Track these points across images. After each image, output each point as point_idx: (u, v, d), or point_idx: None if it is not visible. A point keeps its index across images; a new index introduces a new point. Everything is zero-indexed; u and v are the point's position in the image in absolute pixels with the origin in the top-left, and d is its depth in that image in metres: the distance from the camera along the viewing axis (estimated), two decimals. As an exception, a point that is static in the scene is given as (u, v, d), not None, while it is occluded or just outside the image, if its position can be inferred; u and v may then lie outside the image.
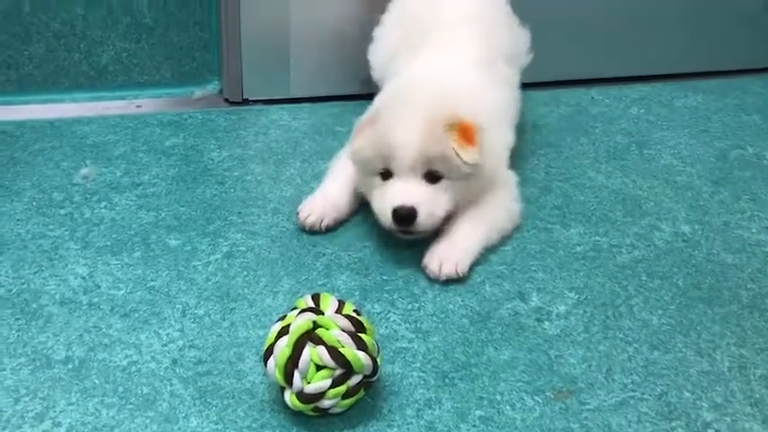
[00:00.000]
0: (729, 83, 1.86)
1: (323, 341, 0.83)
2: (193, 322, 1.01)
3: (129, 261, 1.12)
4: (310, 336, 0.84)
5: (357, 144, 1.13)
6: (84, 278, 1.08)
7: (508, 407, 0.90)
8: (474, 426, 0.87)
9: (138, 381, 0.91)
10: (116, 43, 1.59)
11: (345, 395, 0.84)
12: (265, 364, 0.85)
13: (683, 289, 1.12)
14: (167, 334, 0.98)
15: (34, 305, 1.02)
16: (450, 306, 1.06)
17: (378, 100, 1.21)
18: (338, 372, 0.83)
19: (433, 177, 1.10)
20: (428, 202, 1.09)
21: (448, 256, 1.09)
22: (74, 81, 1.59)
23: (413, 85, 1.19)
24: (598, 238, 1.24)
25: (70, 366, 0.92)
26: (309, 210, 1.18)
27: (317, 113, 1.58)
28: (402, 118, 1.10)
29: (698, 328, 1.05)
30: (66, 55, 1.57)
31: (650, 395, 0.93)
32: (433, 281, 1.10)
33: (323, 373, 0.83)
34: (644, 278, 1.14)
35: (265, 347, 0.86)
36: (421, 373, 0.94)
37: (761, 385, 0.95)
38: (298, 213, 1.18)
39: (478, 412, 0.89)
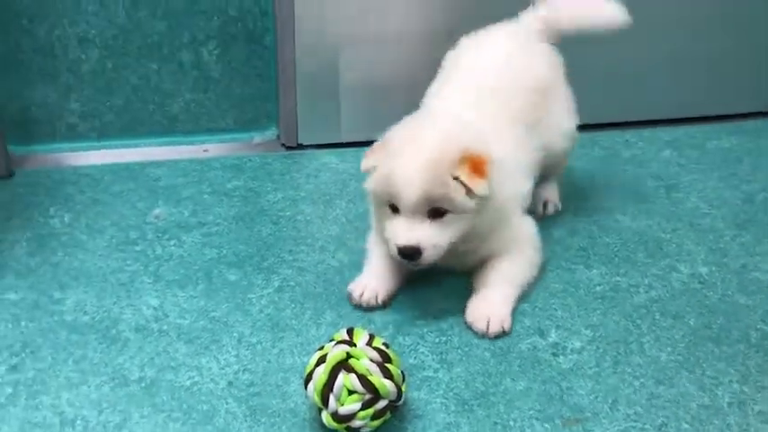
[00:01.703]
0: (764, 124, 1.92)
1: (354, 370, 0.97)
2: (247, 349, 1.15)
3: (194, 293, 1.27)
4: (344, 365, 0.97)
5: (368, 180, 1.17)
6: (155, 308, 1.24)
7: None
8: (487, 448, 0.99)
9: (199, 399, 1.05)
10: (186, 94, 1.77)
11: (373, 417, 0.97)
12: (306, 388, 0.99)
13: (693, 328, 1.21)
14: (225, 359, 1.13)
15: (113, 331, 1.18)
16: (475, 341, 1.17)
17: (391, 131, 1.20)
18: (367, 396, 0.96)
19: (438, 213, 1.14)
20: (432, 239, 1.13)
21: (492, 314, 1.17)
22: (148, 128, 1.77)
23: (423, 121, 1.21)
24: (618, 278, 1.33)
25: (143, 385, 1.08)
26: (362, 288, 1.22)
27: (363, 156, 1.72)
28: (407, 157, 1.12)
29: (703, 365, 1.13)
30: (142, 106, 1.76)
31: (651, 425, 1.02)
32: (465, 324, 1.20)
33: (354, 397, 0.96)
34: (657, 317, 1.23)
35: (306, 373, 0.99)
36: (443, 400, 1.06)
37: (758, 420, 1.03)
38: (350, 293, 1.23)
39: (492, 436, 1.00)
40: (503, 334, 1.17)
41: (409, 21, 1.75)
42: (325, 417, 0.97)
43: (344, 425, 0.96)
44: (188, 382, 1.08)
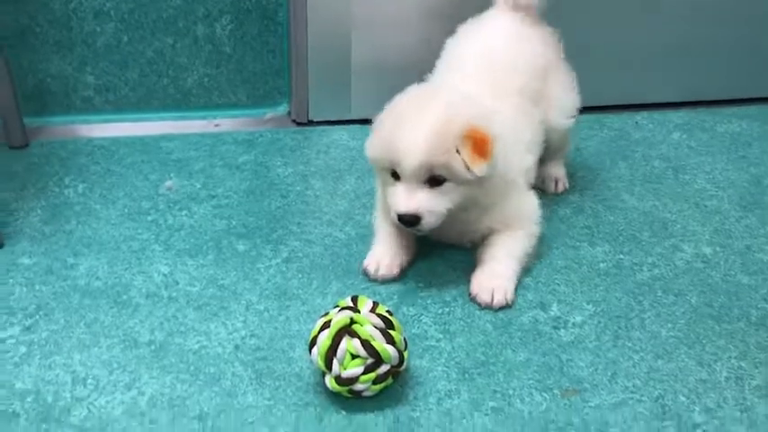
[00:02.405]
0: (776, 109, 1.92)
1: (358, 335, 0.99)
2: (255, 316, 1.18)
3: (204, 262, 1.30)
4: (348, 330, 0.99)
5: (369, 143, 1.20)
6: (165, 275, 1.26)
7: (518, 400, 1.03)
8: (486, 414, 1.01)
9: (207, 362, 1.08)
10: (199, 69, 1.79)
11: (375, 381, 0.99)
12: (310, 352, 1.02)
13: (694, 306, 1.22)
14: (232, 324, 1.16)
15: (125, 296, 1.21)
16: (477, 312, 1.19)
17: (396, 99, 1.22)
18: (369, 361, 0.99)
19: (436, 181, 1.15)
20: (431, 206, 1.15)
21: (496, 287, 1.19)
22: (162, 102, 1.80)
23: (428, 91, 1.23)
24: (622, 256, 1.34)
25: (152, 348, 1.11)
26: (376, 264, 1.25)
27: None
28: (410, 124, 1.14)
29: (703, 341, 1.15)
30: (157, 79, 1.78)
31: (648, 398, 1.04)
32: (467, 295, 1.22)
33: (356, 361, 0.98)
34: (659, 294, 1.25)
35: (310, 338, 1.02)
36: (445, 368, 1.08)
37: (754, 395, 1.05)
38: (366, 269, 1.25)
39: (491, 403, 1.02)
40: (506, 306, 1.19)
41: (421, 1, 1.75)
42: (329, 380, 0.99)
43: (347, 387, 0.99)
44: (196, 346, 1.11)
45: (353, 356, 0.99)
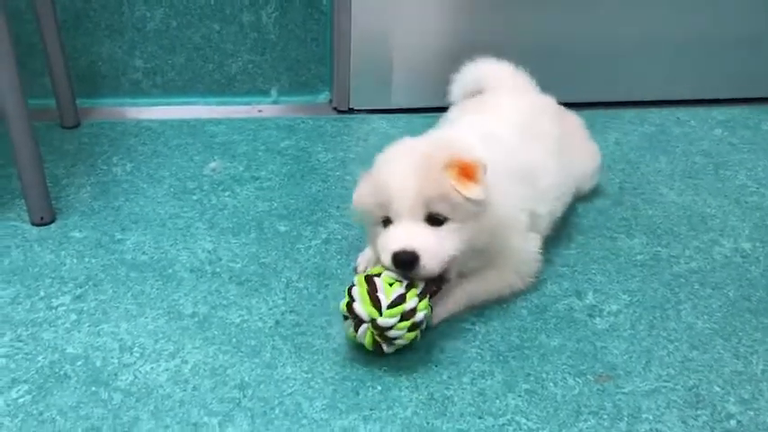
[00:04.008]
0: (822, 107, 1.89)
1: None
2: (294, 293, 1.21)
3: (246, 241, 1.33)
4: (375, 275, 1.04)
5: (356, 195, 1.12)
6: (209, 252, 1.30)
7: (551, 384, 1.04)
8: (519, 396, 1.02)
9: (248, 335, 1.12)
10: (244, 55, 1.83)
11: (411, 328, 1.02)
12: (350, 315, 1.03)
13: (732, 299, 1.22)
14: (273, 301, 1.19)
15: (170, 270, 1.25)
16: (513, 298, 1.21)
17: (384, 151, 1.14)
18: (408, 307, 1.01)
19: (436, 221, 1.05)
20: (431, 245, 1.03)
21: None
22: (207, 87, 1.85)
23: (415, 139, 1.15)
24: (659, 248, 1.34)
25: (196, 320, 1.15)
26: (366, 262, 1.22)
27: (412, 123, 1.76)
28: (399, 163, 1.07)
29: (739, 333, 1.14)
30: (203, 65, 1.83)
31: (682, 387, 1.04)
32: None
33: (395, 310, 1.01)
34: (696, 287, 1.24)
35: (344, 305, 1.04)
36: (479, 350, 1.10)
37: (790, 388, 1.04)
38: (356, 268, 1.23)
39: (525, 386, 1.04)
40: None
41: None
42: (384, 312, 1.01)
43: (400, 308, 1.01)
44: (238, 320, 1.14)
45: (390, 284, 1.02)
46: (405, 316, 1.02)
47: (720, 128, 1.80)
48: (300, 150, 1.65)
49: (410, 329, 1.03)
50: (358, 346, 1.06)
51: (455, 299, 1.15)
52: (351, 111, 1.83)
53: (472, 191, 1.05)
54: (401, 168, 1.07)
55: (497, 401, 1.01)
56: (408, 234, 1.05)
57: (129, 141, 1.66)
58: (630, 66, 1.88)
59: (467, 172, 1.05)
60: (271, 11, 1.80)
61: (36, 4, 1.59)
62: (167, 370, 1.05)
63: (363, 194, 1.11)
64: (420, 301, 1.04)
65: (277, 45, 1.83)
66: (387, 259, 1.05)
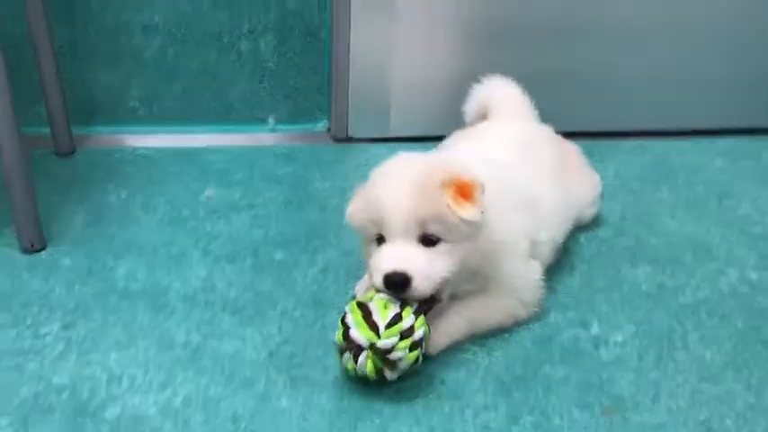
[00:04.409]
0: (824, 138, 1.87)
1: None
2: (290, 323, 1.17)
3: (241, 269, 1.30)
4: (367, 300, 1.02)
5: (349, 209, 1.08)
6: (203, 280, 1.27)
7: (557, 417, 1.00)
8: (524, 428, 0.98)
9: (242, 366, 1.08)
10: (242, 84, 1.82)
11: (411, 347, 0.99)
12: (347, 346, 1.00)
13: (741, 330, 1.18)
14: (268, 330, 1.15)
15: (162, 299, 1.22)
16: (516, 328, 1.17)
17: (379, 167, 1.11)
18: (405, 325, 0.99)
19: (429, 241, 1.02)
20: (423, 266, 1.00)
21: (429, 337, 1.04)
22: (205, 115, 1.83)
23: (411, 155, 1.11)
24: (664, 278, 1.31)
25: (188, 350, 1.11)
26: (364, 290, 1.17)
27: (412, 151, 1.74)
28: (394, 180, 1.04)
29: (751, 365, 1.11)
30: (200, 93, 1.81)
31: (693, 420, 1.00)
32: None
33: (392, 330, 0.98)
34: (704, 317, 1.21)
35: (339, 336, 1.01)
36: (482, 382, 1.06)
37: (805, 422, 1.00)
38: (354, 296, 1.17)
39: (530, 418, 1.00)
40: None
41: (461, 21, 1.76)
42: (383, 333, 0.98)
43: (398, 327, 0.98)
44: (231, 350, 1.10)
45: (384, 306, 0.99)
46: (404, 334, 0.99)
47: (722, 158, 1.79)
48: (298, 178, 1.63)
49: (411, 349, 0.99)
50: (356, 378, 1.02)
51: (456, 327, 1.11)
52: (349, 139, 1.82)
53: (468, 211, 1.02)
54: (396, 185, 1.03)
55: (501, 435, 0.97)
56: (400, 255, 1.02)
57: (124, 169, 1.64)
58: (630, 96, 1.87)
59: (464, 191, 1.02)
60: (269, 39, 1.79)
61: (33, 33, 1.58)
62: (157, 402, 1.01)
63: (357, 210, 1.08)
64: (417, 319, 1.01)
65: (275, 73, 1.82)
66: (378, 280, 1.01)
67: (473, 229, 1.04)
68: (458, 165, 1.07)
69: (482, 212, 1.03)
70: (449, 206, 1.01)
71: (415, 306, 1.03)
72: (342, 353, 1.02)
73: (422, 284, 1.01)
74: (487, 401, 1.02)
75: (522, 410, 1.01)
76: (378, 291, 1.04)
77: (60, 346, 1.10)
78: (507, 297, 1.13)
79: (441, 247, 1.03)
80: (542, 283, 1.18)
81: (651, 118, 1.89)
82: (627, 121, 1.89)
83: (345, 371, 1.03)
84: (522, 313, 1.15)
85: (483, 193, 1.04)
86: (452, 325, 1.11)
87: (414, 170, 1.05)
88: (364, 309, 1.01)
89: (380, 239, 1.05)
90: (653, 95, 1.88)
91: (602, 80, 1.85)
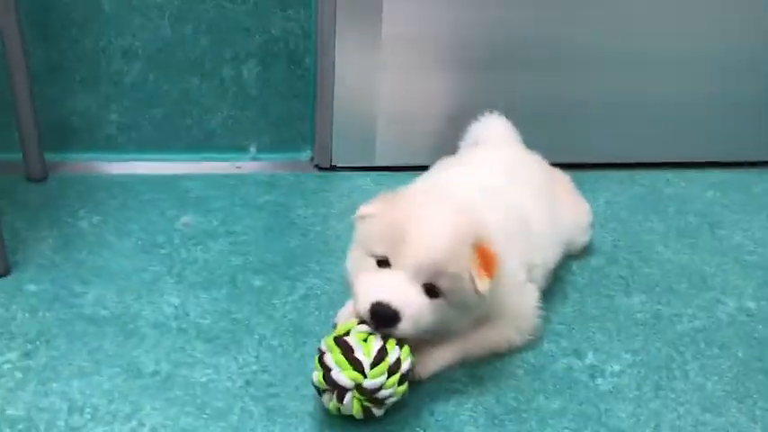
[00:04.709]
0: (814, 172, 1.86)
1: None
2: (268, 351, 1.10)
3: (217, 296, 1.23)
4: (344, 335, 0.95)
5: (370, 208, 1.01)
6: (176, 307, 1.20)
7: (553, 450, 0.94)
8: (518, 463, 0.91)
9: (215, 396, 1.00)
10: (224, 111, 1.77)
11: (401, 381, 0.92)
12: (326, 385, 0.93)
13: (742, 359, 1.13)
14: (244, 359, 1.08)
15: (131, 326, 1.14)
16: (507, 357, 1.11)
17: (397, 194, 1.05)
18: (392, 359, 0.92)
19: (432, 292, 0.96)
20: (416, 309, 0.94)
21: (419, 362, 1.01)
22: (185, 143, 1.77)
23: (437, 192, 1.07)
24: (660, 307, 1.26)
25: (157, 378, 1.03)
26: (346, 319, 1.07)
27: (397, 180, 1.67)
28: (431, 218, 0.97)
29: (755, 396, 1.05)
30: (181, 120, 1.76)
31: (698, 453, 0.94)
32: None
33: (379, 368, 0.92)
34: (702, 346, 1.16)
35: (320, 378, 0.94)
36: (472, 413, 0.99)
37: (816, 455, 0.94)
38: (335, 325, 1.09)
39: (523, 452, 0.93)
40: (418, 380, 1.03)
41: (449, 50, 1.74)
42: (369, 372, 0.91)
43: (384, 363, 0.92)
44: (204, 379, 1.03)
45: (365, 340, 0.93)
46: (391, 370, 0.92)
47: (712, 189, 1.76)
48: (279, 206, 1.57)
49: (400, 383, 0.93)
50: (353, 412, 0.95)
51: (449, 351, 1.05)
52: (333, 168, 1.77)
53: (484, 285, 0.96)
54: (430, 224, 0.96)
55: (494, 470, 0.90)
56: (398, 289, 0.94)
57: (97, 195, 1.57)
58: (618, 127, 1.85)
59: (487, 262, 0.97)
60: (252, 66, 1.75)
61: (8, 54, 1.53)
62: (121, 434, 0.93)
63: (378, 216, 0.99)
64: (402, 349, 0.94)
65: (258, 101, 1.78)
66: (364, 307, 0.94)
67: (477, 302, 0.99)
68: (483, 227, 1.01)
69: (492, 288, 0.98)
70: (470, 272, 0.96)
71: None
72: (321, 393, 0.95)
73: (408, 326, 0.94)
74: (478, 434, 0.96)
75: (516, 443, 0.94)
76: (359, 321, 0.97)
77: (18, 376, 1.02)
78: (503, 323, 1.08)
79: (438, 302, 0.97)
80: (539, 310, 1.12)
81: (638, 150, 1.87)
82: (613, 152, 1.86)
83: (329, 410, 0.96)
84: (518, 340, 1.10)
85: (499, 266, 0.99)
86: (445, 349, 1.05)
87: (453, 218, 0.98)
88: (344, 345, 0.94)
89: (382, 263, 0.97)
90: (640, 128, 1.86)
91: (588, 111, 1.82)
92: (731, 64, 1.82)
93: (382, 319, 0.93)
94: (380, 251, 0.97)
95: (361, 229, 1.02)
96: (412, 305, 0.94)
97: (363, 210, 1.02)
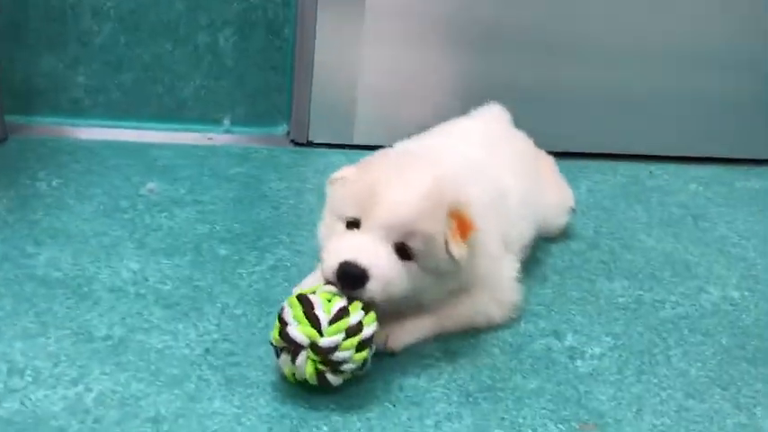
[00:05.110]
0: (797, 172, 1.83)
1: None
2: (230, 320, 1.03)
3: (180, 263, 1.16)
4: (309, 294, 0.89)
5: (343, 172, 0.98)
6: (134, 272, 1.13)
7: (530, 430, 0.88)
8: (492, 442, 0.86)
9: (170, 363, 0.93)
10: (197, 80, 1.70)
11: (359, 347, 0.86)
12: (284, 344, 0.87)
13: (725, 347, 1.09)
14: (204, 327, 1.01)
15: (86, 289, 1.07)
16: (483, 334, 1.05)
17: (371, 159, 1.01)
18: (353, 321, 0.86)
19: (404, 253, 0.91)
20: (386, 270, 0.88)
21: (392, 331, 0.97)
22: (155, 111, 1.70)
23: (413, 156, 1.02)
24: (642, 292, 1.22)
25: (109, 343, 0.96)
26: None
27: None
28: (403, 179, 0.93)
29: (738, 383, 1.01)
30: (151, 86, 1.69)
31: (680, 438, 0.89)
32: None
33: (337, 326, 0.86)
34: (686, 333, 1.12)
35: (275, 333, 0.88)
36: (445, 390, 0.94)
37: (802, 444, 0.90)
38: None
39: (498, 431, 0.88)
40: (390, 353, 0.98)
41: (437, 25, 1.69)
42: (325, 329, 0.85)
43: (342, 322, 0.86)
44: (160, 345, 0.96)
45: (329, 300, 0.87)
46: (350, 331, 0.86)
47: (695, 183, 1.73)
48: (251, 178, 1.51)
49: (358, 349, 0.86)
50: (298, 383, 0.89)
51: (423, 322, 0.99)
52: (310, 144, 1.71)
53: (459, 250, 0.92)
54: (404, 185, 0.92)
55: (466, 448, 0.84)
56: (367, 248, 0.89)
57: (60, 158, 1.49)
58: (600, 117, 1.81)
59: (463, 229, 0.93)
60: (229, 34, 1.68)
61: (-31, 8, 1.45)
62: (65, 398, 0.86)
63: (350, 179, 0.95)
64: (366, 315, 0.88)
65: (234, 71, 1.71)
66: (331, 266, 0.88)
67: (452, 269, 0.94)
68: (460, 193, 0.96)
69: (467, 256, 0.94)
70: (445, 235, 0.92)
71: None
72: (279, 353, 0.89)
73: (377, 287, 0.88)
74: (451, 411, 0.90)
75: (491, 422, 0.89)
76: (326, 282, 0.91)
77: (-43, 335, 0.95)
78: (481, 295, 1.03)
79: (411, 266, 0.92)
80: (519, 284, 1.07)
81: (620, 141, 1.83)
82: (594, 142, 1.82)
83: (283, 375, 0.90)
84: (497, 313, 1.05)
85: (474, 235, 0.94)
86: (419, 322, 0.99)
87: (427, 180, 0.93)
88: (305, 302, 0.88)
89: (352, 224, 0.93)
90: (623, 119, 1.82)
91: (570, 100, 1.78)
92: (719, 61, 1.79)
93: (349, 278, 0.87)
94: (351, 213, 0.93)
95: (333, 193, 0.98)
96: (381, 265, 0.88)
97: (342, 173, 0.98)
